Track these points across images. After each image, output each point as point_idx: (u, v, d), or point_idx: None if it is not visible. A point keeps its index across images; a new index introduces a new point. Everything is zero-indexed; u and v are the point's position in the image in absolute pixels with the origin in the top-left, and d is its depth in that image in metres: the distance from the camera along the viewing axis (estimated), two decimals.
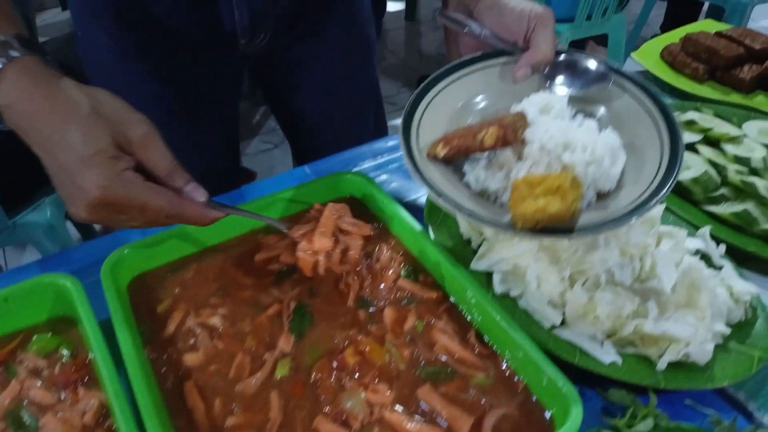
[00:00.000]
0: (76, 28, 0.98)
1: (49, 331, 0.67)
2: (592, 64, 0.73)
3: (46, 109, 0.56)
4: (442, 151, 0.68)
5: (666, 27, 3.64)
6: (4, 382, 0.61)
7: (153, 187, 0.57)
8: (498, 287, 0.70)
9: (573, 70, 0.74)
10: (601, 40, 3.20)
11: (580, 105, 0.72)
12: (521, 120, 0.67)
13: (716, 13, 3.24)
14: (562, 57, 0.74)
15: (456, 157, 0.69)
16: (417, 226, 0.73)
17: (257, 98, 3.03)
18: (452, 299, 0.69)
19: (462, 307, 0.68)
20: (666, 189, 0.61)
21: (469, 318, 0.67)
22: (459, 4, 0.82)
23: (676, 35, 1.25)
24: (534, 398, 0.60)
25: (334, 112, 1.15)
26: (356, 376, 0.62)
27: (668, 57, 1.19)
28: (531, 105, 0.69)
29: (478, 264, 0.72)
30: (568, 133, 0.65)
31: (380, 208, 0.79)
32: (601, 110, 0.72)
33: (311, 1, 0.96)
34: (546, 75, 0.74)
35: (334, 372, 0.62)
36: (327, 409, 0.59)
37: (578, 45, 3.50)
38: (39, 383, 0.61)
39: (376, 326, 0.67)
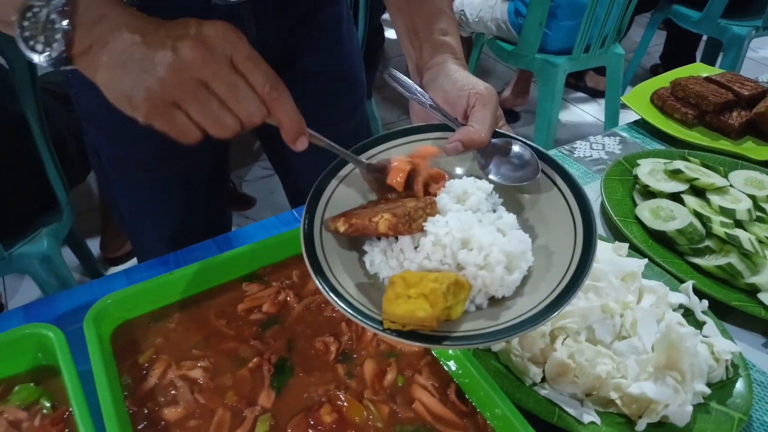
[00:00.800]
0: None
1: (32, 381, 0.67)
2: (526, 152, 0.69)
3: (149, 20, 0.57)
4: (341, 227, 0.64)
5: (665, 57, 3.68)
6: None
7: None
8: None
9: (506, 156, 0.70)
10: (601, 69, 3.24)
11: (509, 193, 0.69)
12: (426, 208, 0.64)
13: (715, 45, 3.28)
14: (497, 140, 0.71)
15: (355, 235, 0.65)
16: None
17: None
18: (434, 352, 0.70)
19: (443, 360, 0.69)
20: (551, 315, 0.55)
21: (450, 370, 0.67)
22: (414, 70, 0.82)
23: (665, 79, 1.26)
24: None
25: (321, 152, 1.16)
26: None
27: (658, 101, 1.20)
28: (449, 191, 0.66)
29: None
30: (470, 230, 0.61)
31: None
32: (527, 201, 0.69)
33: (296, 46, 0.98)
34: (480, 155, 0.71)
35: (310, 430, 0.62)
36: None
37: (578, 75, 3.54)
38: None
39: (355, 380, 0.67)
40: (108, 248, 2.31)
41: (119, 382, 0.65)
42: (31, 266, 1.54)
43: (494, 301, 0.61)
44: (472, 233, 0.60)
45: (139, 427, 0.62)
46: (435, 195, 0.67)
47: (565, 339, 0.67)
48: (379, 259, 0.64)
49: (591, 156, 1.10)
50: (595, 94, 3.58)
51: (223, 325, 0.73)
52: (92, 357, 0.64)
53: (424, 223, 0.62)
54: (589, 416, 0.62)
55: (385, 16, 3.46)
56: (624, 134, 1.18)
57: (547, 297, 0.57)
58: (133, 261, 2.03)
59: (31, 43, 0.57)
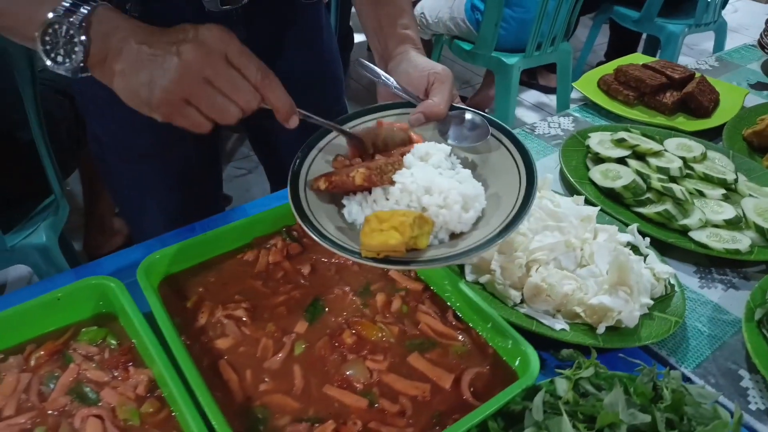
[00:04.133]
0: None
1: (95, 325, 0.78)
2: (477, 119, 0.83)
3: (154, 29, 0.67)
4: (322, 185, 0.77)
5: (610, 54, 3.94)
6: (63, 366, 0.73)
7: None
8: (469, 276, 0.85)
9: (461, 124, 0.84)
10: (551, 67, 3.46)
11: (465, 153, 0.82)
12: (394, 163, 0.76)
13: (654, 42, 3.55)
14: (453, 112, 0.84)
15: (335, 191, 0.77)
16: None
17: (230, 126, 3.15)
18: (433, 289, 0.84)
19: (441, 294, 0.83)
20: (496, 241, 0.68)
21: (447, 302, 0.82)
22: (380, 59, 0.97)
23: (609, 67, 1.45)
24: (502, 358, 0.75)
25: (303, 140, 1.28)
26: (355, 351, 0.76)
27: (604, 86, 1.39)
28: (414, 152, 0.78)
29: None
30: (431, 179, 0.72)
31: None
32: (479, 160, 0.82)
33: (282, 46, 1.09)
34: (440, 126, 0.84)
35: (336, 349, 0.76)
36: (334, 377, 0.73)
37: (530, 74, 3.76)
38: (93, 365, 0.73)
39: (369, 310, 0.81)
40: (91, 246, 2.37)
41: (172, 321, 0.77)
42: (31, 258, 1.62)
43: (454, 236, 0.73)
44: (433, 182, 0.72)
45: (196, 356, 0.74)
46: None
47: (537, 268, 0.83)
48: (356, 209, 0.76)
49: (549, 133, 1.27)
50: (547, 91, 3.81)
51: (259, 285, 0.85)
52: (148, 298, 0.77)
53: (392, 176, 0.75)
54: (560, 325, 0.78)
55: (354, 21, 3.60)
56: (576, 114, 1.36)
57: (498, 227, 0.70)
58: None
59: (53, 55, 0.66)
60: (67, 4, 0.65)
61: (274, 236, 0.91)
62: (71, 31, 0.65)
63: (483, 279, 0.84)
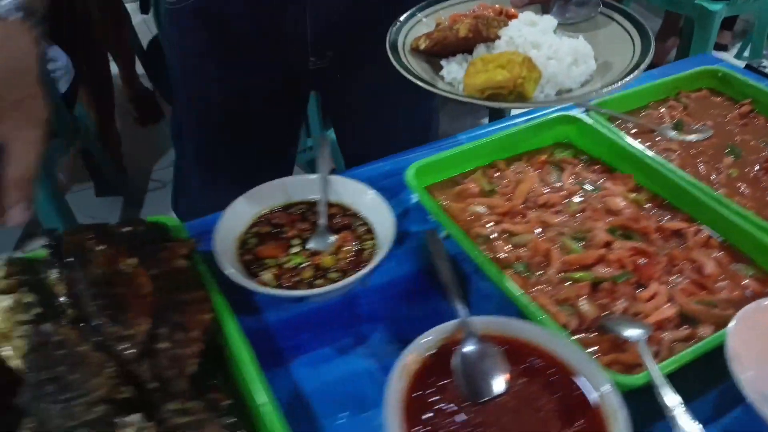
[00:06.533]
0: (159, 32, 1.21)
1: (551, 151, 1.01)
2: None
3: None
4: (423, 44, 0.74)
5: None
6: (554, 171, 0.95)
7: None
8: None
9: (567, 3, 0.80)
10: (728, 24, 3.44)
11: (571, 33, 0.77)
12: (501, 20, 0.73)
13: None
14: None
15: (435, 49, 0.74)
16: None
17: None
18: None
19: None
20: (614, 85, 0.65)
21: None
22: None
23: None
24: None
25: (377, 118, 1.20)
26: None
27: None
28: (520, 20, 0.75)
29: None
30: (541, 36, 0.69)
31: None
32: (588, 38, 0.76)
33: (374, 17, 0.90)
34: (544, 6, 0.80)
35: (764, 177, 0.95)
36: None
37: None
38: (580, 167, 0.96)
39: None
40: None
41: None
42: None
43: (560, 93, 0.71)
44: (543, 39, 0.70)
45: None
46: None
47: None
48: (455, 68, 0.73)
49: None
50: (718, 47, 3.77)
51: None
52: (604, 130, 0.98)
53: (498, 31, 0.72)
54: None
55: None
56: None
57: (608, 83, 0.68)
58: None
59: None
60: None
61: None
62: None
63: None
